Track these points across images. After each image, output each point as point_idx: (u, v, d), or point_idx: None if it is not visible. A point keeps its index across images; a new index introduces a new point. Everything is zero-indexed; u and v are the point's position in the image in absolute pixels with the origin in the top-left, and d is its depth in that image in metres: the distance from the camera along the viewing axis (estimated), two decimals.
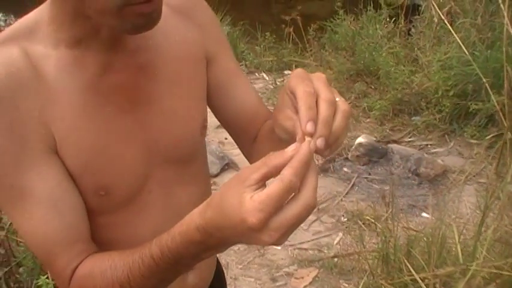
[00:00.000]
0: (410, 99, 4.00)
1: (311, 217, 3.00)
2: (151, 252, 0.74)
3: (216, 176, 3.51)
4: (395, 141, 3.81)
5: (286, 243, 2.81)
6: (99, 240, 0.88)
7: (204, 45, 0.96)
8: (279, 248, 2.93)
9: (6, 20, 7.17)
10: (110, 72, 0.84)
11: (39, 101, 0.79)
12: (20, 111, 0.77)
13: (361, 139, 3.62)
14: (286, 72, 5.04)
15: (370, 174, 3.52)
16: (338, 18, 5.06)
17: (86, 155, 0.82)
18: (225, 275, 1.30)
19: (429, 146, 3.77)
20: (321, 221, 3.11)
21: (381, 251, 2.37)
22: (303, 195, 0.62)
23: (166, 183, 0.94)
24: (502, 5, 2.57)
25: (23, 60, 0.78)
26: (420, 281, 1.95)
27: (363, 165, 3.57)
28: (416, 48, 4.41)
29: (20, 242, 2.18)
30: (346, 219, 3.12)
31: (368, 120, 4.09)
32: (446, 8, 4.26)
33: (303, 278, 2.74)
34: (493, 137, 3.54)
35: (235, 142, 1.07)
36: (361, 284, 2.30)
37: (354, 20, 4.98)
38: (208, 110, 1.01)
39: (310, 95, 0.68)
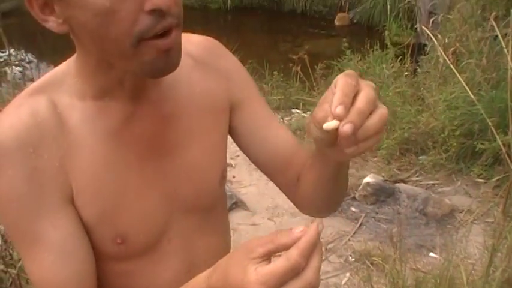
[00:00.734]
0: (417, 138, 4.00)
1: None
2: None
3: None
4: (402, 181, 3.80)
5: None
6: None
7: (229, 93, 0.96)
8: None
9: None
10: (132, 122, 0.85)
11: (61, 150, 0.81)
12: (42, 160, 0.79)
13: (368, 179, 3.63)
14: (293, 110, 5.08)
15: (377, 213, 3.51)
16: (345, 58, 5.10)
17: (104, 202, 0.83)
18: None
19: (436, 186, 3.76)
20: (329, 261, 3.10)
21: None
22: (306, 274, 0.62)
23: (185, 233, 0.94)
24: (505, 50, 2.61)
25: (49, 111, 0.81)
26: None
27: (370, 205, 3.57)
28: (422, 88, 4.43)
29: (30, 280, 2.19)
30: (353, 259, 3.10)
31: (375, 159, 4.10)
32: (452, 49, 4.31)
33: None
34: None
35: (276, 186, 1.04)
36: None
37: (360, 59, 5.02)
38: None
39: (349, 85, 0.67)
